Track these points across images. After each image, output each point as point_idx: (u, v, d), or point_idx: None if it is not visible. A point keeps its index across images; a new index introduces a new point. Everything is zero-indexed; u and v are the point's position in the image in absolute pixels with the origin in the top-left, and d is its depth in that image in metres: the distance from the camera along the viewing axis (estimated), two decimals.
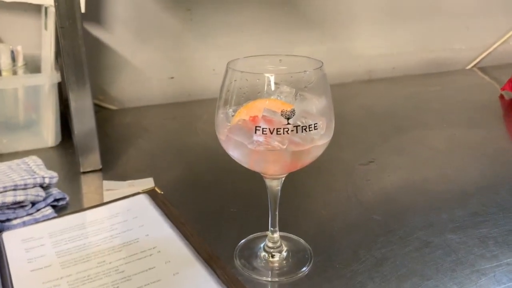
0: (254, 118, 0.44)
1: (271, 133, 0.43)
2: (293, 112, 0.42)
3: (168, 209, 0.61)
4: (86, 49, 0.70)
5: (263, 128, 0.43)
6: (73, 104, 0.73)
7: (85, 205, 0.66)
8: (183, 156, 0.83)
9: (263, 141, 0.43)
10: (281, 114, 0.42)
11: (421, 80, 1.32)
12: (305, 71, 0.44)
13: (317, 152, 0.46)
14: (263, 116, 0.43)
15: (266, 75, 0.44)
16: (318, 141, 0.45)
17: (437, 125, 0.97)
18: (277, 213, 0.53)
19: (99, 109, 1.08)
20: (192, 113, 1.07)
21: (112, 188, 0.69)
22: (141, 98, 1.11)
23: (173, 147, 0.88)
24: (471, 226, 0.60)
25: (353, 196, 0.68)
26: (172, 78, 1.13)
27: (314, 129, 0.43)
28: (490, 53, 1.46)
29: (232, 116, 0.47)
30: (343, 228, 0.60)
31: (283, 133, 0.42)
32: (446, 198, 0.67)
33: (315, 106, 0.45)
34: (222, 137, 0.47)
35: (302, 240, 0.57)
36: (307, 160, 0.46)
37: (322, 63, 0.46)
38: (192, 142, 0.90)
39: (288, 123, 0.42)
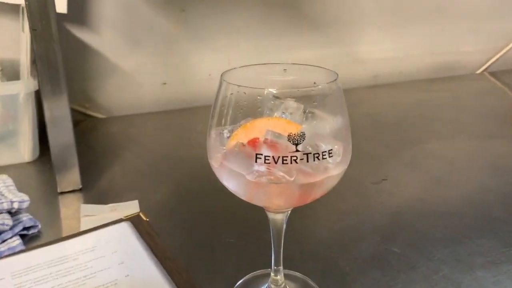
0: (254, 142, 0.36)
1: (276, 162, 0.34)
2: (302, 136, 0.34)
3: (153, 241, 0.52)
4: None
5: (265, 156, 0.34)
6: (48, 115, 0.65)
7: (61, 234, 0.58)
8: (175, 173, 0.75)
9: (265, 172, 0.35)
10: (288, 139, 0.34)
11: (430, 85, 1.24)
12: (316, 85, 0.36)
13: (331, 184, 0.38)
14: (266, 140, 0.35)
15: (268, 90, 0.36)
16: (333, 171, 0.36)
17: (452, 136, 0.89)
18: (281, 250, 0.44)
19: (84, 118, 1.00)
20: (186, 122, 0.99)
21: (91, 213, 0.61)
22: (130, 106, 1.02)
23: (163, 162, 0.79)
24: (505, 260, 0.52)
25: (367, 223, 0.60)
26: (164, 84, 1.04)
27: (329, 157, 0.35)
28: (500, 57, 1.38)
29: (228, 138, 0.38)
30: (357, 264, 0.52)
31: (291, 162, 0.34)
32: (472, 225, 0.59)
33: (329, 127, 0.37)
34: (215, 164, 0.39)
35: (309, 280, 0.48)
36: (319, 193, 0.38)
37: (337, 74, 0.37)
38: (186, 155, 0.82)
39: (297, 150, 0.34)
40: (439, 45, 1.30)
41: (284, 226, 0.43)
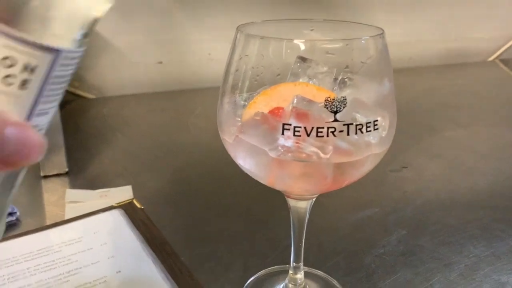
0: (277, 111, 0.29)
1: (308, 134, 0.27)
2: (343, 102, 0.27)
3: (150, 232, 0.45)
4: None
5: (295, 127, 0.27)
6: None
7: (43, 222, 0.50)
8: (171, 158, 0.67)
9: (293, 147, 0.28)
10: (325, 105, 0.27)
11: (441, 72, 1.17)
12: (358, 38, 0.29)
13: (372, 164, 0.31)
14: (294, 109, 0.28)
15: (298, 41, 0.29)
16: (377, 148, 0.29)
17: (472, 124, 0.82)
18: (302, 244, 0.38)
19: (73, 98, 0.92)
20: (183, 105, 0.92)
21: (78, 199, 0.53)
22: (123, 86, 0.95)
23: (159, 146, 0.72)
24: None
25: (390, 215, 0.53)
26: (160, 63, 0.96)
27: (374, 129, 0.28)
28: None
29: (244, 107, 0.31)
30: (384, 261, 0.45)
31: (327, 135, 0.27)
32: (507, 218, 0.52)
33: (374, 93, 0.29)
34: (228, 138, 0.31)
35: (332, 280, 0.42)
36: (356, 175, 0.31)
37: (383, 30, 0.30)
38: (183, 140, 0.74)
39: (336, 120, 0.27)
40: (451, 31, 1.24)
41: (307, 216, 0.36)
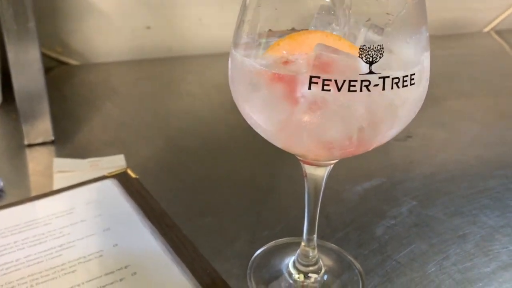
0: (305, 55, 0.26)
1: (338, 89, 0.24)
2: (380, 51, 0.24)
3: (147, 203, 0.42)
4: None
5: (324, 80, 0.24)
6: (12, 57, 0.53)
7: (29, 193, 0.47)
8: (165, 127, 0.64)
9: (320, 104, 0.25)
10: (360, 54, 0.24)
11: (439, 42, 1.14)
12: None
13: (409, 118, 0.28)
14: (321, 56, 0.24)
15: None
16: (413, 106, 0.26)
17: (473, 93, 0.80)
18: (317, 215, 0.35)
19: (56, 64, 0.86)
20: (173, 73, 0.87)
21: (67, 169, 0.49)
22: (109, 52, 0.89)
23: (151, 114, 0.68)
24: None
25: (398, 185, 0.50)
26: (148, 28, 0.91)
27: (411, 84, 0.25)
28: (508, 15, 1.30)
29: (264, 50, 0.28)
30: (397, 232, 0.43)
31: (360, 90, 0.24)
32: None
33: (410, 45, 0.26)
34: (242, 82, 0.28)
35: (344, 253, 0.39)
36: (392, 132, 0.28)
37: None
38: (175, 108, 0.70)
39: (371, 72, 0.24)
40: (446, 0, 1.21)
41: (324, 185, 0.33)
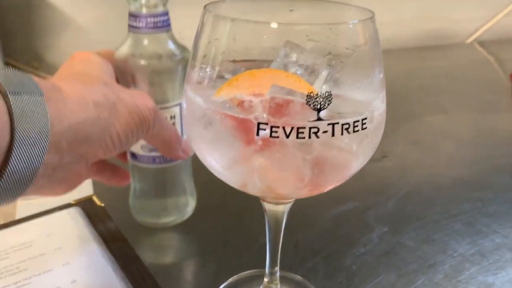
0: (258, 98, 0.25)
1: (287, 136, 0.23)
2: (328, 98, 0.23)
3: (110, 233, 0.41)
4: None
5: (272, 128, 0.23)
6: None
7: None
8: None
9: (270, 149, 0.24)
10: (307, 101, 0.23)
11: (420, 54, 1.15)
12: (345, 22, 0.25)
13: (360, 165, 0.27)
14: (272, 99, 0.24)
15: (274, 25, 0.24)
16: (366, 149, 0.26)
17: (451, 108, 0.80)
18: (279, 248, 0.34)
19: None
20: None
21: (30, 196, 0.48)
22: None
23: None
24: None
25: (371, 209, 0.50)
26: None
27: (362, 129, 0.24)
28: (491, 26, 1.30)
29: (216, 87, 0.27)
30: (365, 261, 0.42)
31: (309, 137, 0.23)
32: (495, 213, 0.50)
33: (362, 86, 0.26)
34: (194, 118, 0.27)
35: (310, 285, 0.38)
36: (343, 177, 0.27)
37: (373, 13, 0.26)
38: None
39: (319, 118, 0.23)
40: (429, 11, 1.21)
41: (285, 220, 0.32)
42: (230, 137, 0.25)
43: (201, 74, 0.27)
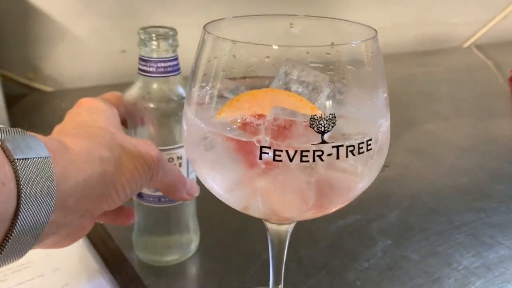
0: (259, 119, 0.24)
1: (291, 159, 0.23)
2: (332, 120, 0.22)
3: (110, 252, 0.40)
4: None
5: (275, 151, 0.23)
6: None
7: None
8: None
9: (273, 173, 0.23)
10: (311, 124, 0.22)
11: (418, 58, 1.15)
12: (348, 43, 0.24)
13: (365, 186, 0.26)
14: (274, 121, 0.23)
15: (276, 47, 0.24)
16: (372, 170, 0.25)
17: (451, 115, 0.80)
18: (282, 266, 0.33)
19: (27, 91, 0.84)
20: None
21: None
22: (83, 77, 0.87)
23: None
24: None
25: (373, 222, 0.49)
26: (123, 51, 0.90)
27: (367, 150, 0.24)
28: (488, 30, 1.30)
29: (217, 108, 0.26)
30: (369, 276, 0.41)
31: (313, 160, 0.23)
32: (499, 223, 0.49)
33: (366, 107, 0.25)
34: (195, 140, 0.26)
35: None
36: (347, 199, 0.27)
37: (376, 31, 0.26)
38: None
39: (323, 141, 0.23)
40: (426, 16, 1.21)
41: (288, 239, 0.32)
42: (232, 160, 0.24)
43: (201, 93, 0.27)
